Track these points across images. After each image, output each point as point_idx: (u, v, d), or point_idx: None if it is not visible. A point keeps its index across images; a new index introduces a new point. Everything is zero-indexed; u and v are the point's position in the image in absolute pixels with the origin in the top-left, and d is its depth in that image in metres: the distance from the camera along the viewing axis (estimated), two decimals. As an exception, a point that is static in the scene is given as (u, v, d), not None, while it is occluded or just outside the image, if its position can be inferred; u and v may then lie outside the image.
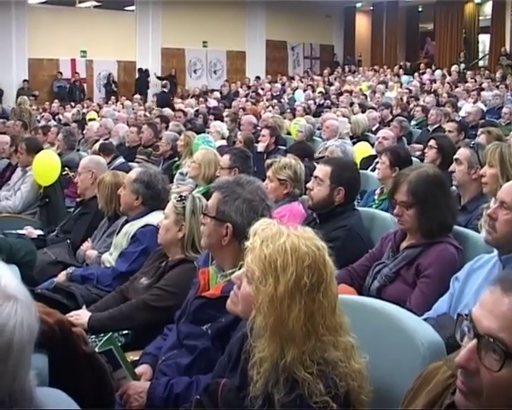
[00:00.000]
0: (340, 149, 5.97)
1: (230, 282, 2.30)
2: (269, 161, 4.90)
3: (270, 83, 22.01)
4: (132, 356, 3.19)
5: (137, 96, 19.26)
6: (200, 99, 18.39)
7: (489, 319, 1.52)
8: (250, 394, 2.01)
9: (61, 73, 22.85)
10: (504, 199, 2.85)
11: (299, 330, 1.93)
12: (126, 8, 23.96)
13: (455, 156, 4.56)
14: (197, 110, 14.74)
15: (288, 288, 1.93)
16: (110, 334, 2.97)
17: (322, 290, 1.95)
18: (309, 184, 4.15)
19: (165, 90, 21.06)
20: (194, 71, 25.72)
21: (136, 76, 23.80)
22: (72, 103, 19.53)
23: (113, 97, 20.78)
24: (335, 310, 2.00)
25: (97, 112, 15.70)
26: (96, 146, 8.38)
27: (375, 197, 5.29)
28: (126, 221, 4.47)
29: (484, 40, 26.04)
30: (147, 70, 23.63)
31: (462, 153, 4.53)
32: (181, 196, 3.63)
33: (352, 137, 8.88)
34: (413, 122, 11.10)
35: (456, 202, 3.85)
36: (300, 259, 1.95)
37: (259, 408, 1.98)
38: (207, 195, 3.29)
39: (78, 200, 5.64)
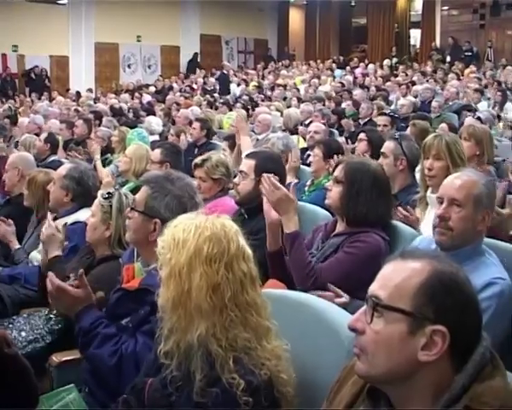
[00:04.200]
0: (282, 141, 5.98)
1: (149, 274, 2.32)
2: (198, 161, 4.80)
3: (204, 77, 21.91)
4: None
5: (71, 92, 18.99)
6: (136, 94, 18.22)
7: (376, 283, 1.68)
8: (168, 372, 2.06)
9: (-9, 69, 22.37)
10: (455, 196, 2.86)
11: (204, 301, 2.00)
12: (59, 2, 23.46)
13: (381, 150, 4.64)
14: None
15: (188, 258, 2.00)
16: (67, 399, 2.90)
17: (224, 262, 2.03)
18: (235, 179, 4.16)
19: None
20: (129, 66, 25.40)
21: (70, 71, 23.44)
22: (4, 99, 19.10)
23: (45, 93, 20.41)
24: (246, 288, 2.06)
25: (30, 107, 15.42)
26: (27, 141, 8.18)
27: (306, 189, 5.34)
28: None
29: (415, 35, 26.44)
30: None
31: (387, 146, 4.61)
32: (108, 194, 3.59)
33: (284, 131, 8.92)
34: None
35: (392, 202, 3.88)
36: (202, 233, 2.03)
37: (178, 394, 2.03)
38: (137, 191, 3.25)
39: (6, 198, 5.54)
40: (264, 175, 3.39)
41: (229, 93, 18.57)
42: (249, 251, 2.13)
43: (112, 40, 24.17)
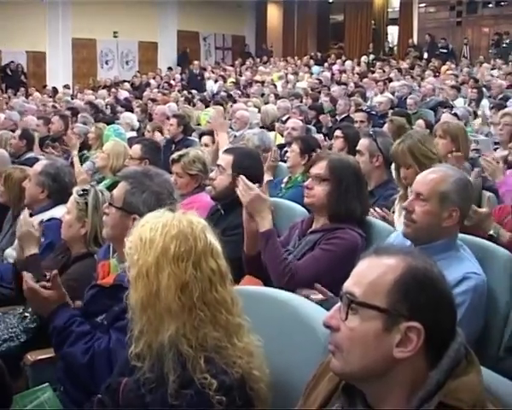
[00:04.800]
0: (258, 137, 5.97)
1: (125, 271, 2.30)
2: (175, 156, 4.81)
3: (181, 74, 21.85)
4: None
5: (48, 88, 18.85)
6: (113, 90, 18.13)
7: (350, 280, 1.68)
8: (140, 374, 2.04)
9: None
10: (420, 191, 2.90)
11: (173, 301, 1.97)
12: (36, -3, 23.32)
13: (357, 148, 4.65)
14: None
15: (155, 258, 1.97)
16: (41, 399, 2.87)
17: (192, 260, 2.00)
18: (212, 174, 4.14)
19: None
20: (106, 62, 25.27)
21: (47, 67, 23.26)
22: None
23: (22, 89, 20.23)
24: (216, 286, 2.04)
25: (7, 103, 15.29)
26: (3, 137, 8.11)
27: (282, 186, 5.34)
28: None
29: (392, 32, 26.55)
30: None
31: (362, 143, 4.63)
32: (83, 191, 3.57)
33: (261, 127, 8.91)
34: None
35: (368, 198, 3.90)
36: (169, 231, 2.00)
37: (152, 395, 2.01)
38: (114, 187, 3.23)
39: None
40: (239, 177, 3.40)
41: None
42: (218, 247, 2.10)
43: (89, 36, 23.99)
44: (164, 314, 1.98)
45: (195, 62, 22.49)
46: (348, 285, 1.67)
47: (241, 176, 3.41)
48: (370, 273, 1.65)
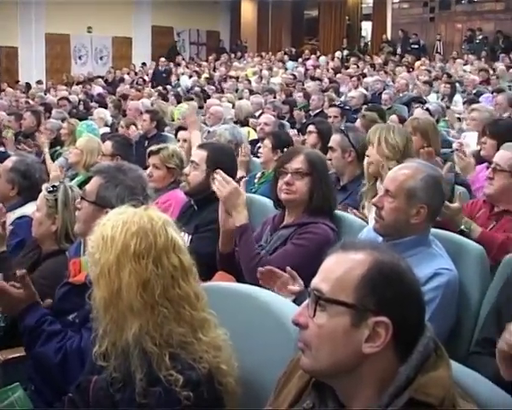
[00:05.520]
0: (229, 132, 5.96)
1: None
2: (154, 148, 4.84)
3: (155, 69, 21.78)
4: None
5: (21, 84, 18.70)
6: (88, 86, 18.01)
7: (318, 276, 1.68)
8: (107, 374, 2.03)
9: None
10: (389, 187, 2.92)
11: (135, 298, 1.95)
12: (8, -8, 23.11)
13: (329, 145, 4.65)
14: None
15: (116, 256, 1.96)
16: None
17: (152, 257, 1.98)
18: (186, 170, 4.12)
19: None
20: (80, 57, 25.10)
21: (19, 62, 23.05)
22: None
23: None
24: (178, 281, 2.02)
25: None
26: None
27: (255, 181, 5.34)
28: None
29: (366, 27, 26.66)
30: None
31: (334, 140, 4.63)
32: (53, 187, 3.53)
33: (235, 123, 8.90)
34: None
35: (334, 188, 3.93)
36: (129, 229, 1.98)
37: (121, 394, 2.00)
38: (87, 184, 3.20)
39: None
40: (216, 172, 3.39)
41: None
42: (181, 242, 2.08)
43: (63, 31, 23.82)
44: (127, 313, 1.96)
45: (161, 59, 22.38)
46: (316, 282, 1.67)
47: (219, 170, 3.40)
48: (337, 269, 1.65)
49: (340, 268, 1.65)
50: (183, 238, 2.13)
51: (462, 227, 3.52)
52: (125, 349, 1.98)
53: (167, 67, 21.48)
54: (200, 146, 4.23)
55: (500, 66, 15.38)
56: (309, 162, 3.41)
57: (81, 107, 12.54)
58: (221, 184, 3.31)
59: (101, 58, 25.50)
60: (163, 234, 2.02)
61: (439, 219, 3.17)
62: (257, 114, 9.23)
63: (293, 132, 6.78)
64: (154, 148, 4.85)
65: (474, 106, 7.10)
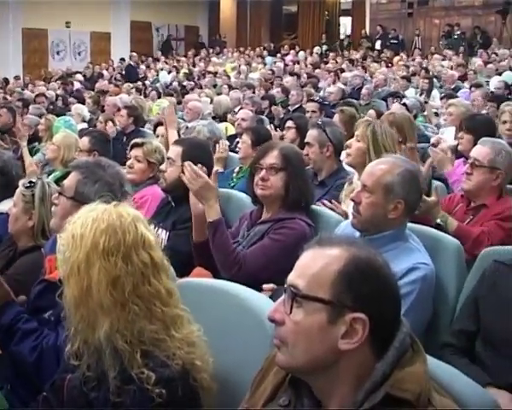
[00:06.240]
0: (208, 128, 5.95)
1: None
2: (138, 141, 4.90)
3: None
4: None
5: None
6: (68, 82, 17.86)
7: (294, 272, 1.67)
8: (80, 373, 2.01)
9: None
10: (366, 183, 2.92)
11: (105, 296, 1.94)
12: (-17, -14, 22.88)
13: (305, 140, 4.65)
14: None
15: (85, 254, 1.95)
16: None
17: (122, 254, 1.97)
18: (162, 166, 4.11)
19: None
20: (57, 52, 24.91)
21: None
22: None
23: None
24: (148, 278, 2.01)
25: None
26: None
27: (234, 175, 5.33)
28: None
29: (345, 23, 26.68)
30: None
31: (311, 135, 4.62)
32: (29, 183, 3.50)
33: (214, 118, 8.89)
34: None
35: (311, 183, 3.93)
36: (98, 226, 1.97)
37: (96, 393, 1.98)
38: (64, 179, 3.17)
39: None
40: (186, 163, 3.37)
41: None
42: (152, 238, 2.06)
43: (40, 26, 23.61)
44: (97, 311, 1.95)
45: (133, 54, 22.28)
46: (292, 278, 1.66)
47: (188, 162, 3.38)
48: (314, 265, 1.64)
49: (316, 264, 1.64)
50: (154, 235, 2.12)
51: (439, 221, 3.54)
52: (98, 348, 1.97)
53: (138, 62, 21.44)
54: (176, 142, 4.24)
55: (478, 61, 15.47)
56: (283, 157, 3.41)
57: (59, 102, 12.42)
58: (192, 177, 3.29)
59: (79, 53, 25.31)
60: (132, 231, 2.00)
61: (417, 213, 3.18)
62: (236, 109, 9.20)
63: (270, 127, 6.78)
64: (138, 140, 4.95)
65: (451, 101, 7.17)
